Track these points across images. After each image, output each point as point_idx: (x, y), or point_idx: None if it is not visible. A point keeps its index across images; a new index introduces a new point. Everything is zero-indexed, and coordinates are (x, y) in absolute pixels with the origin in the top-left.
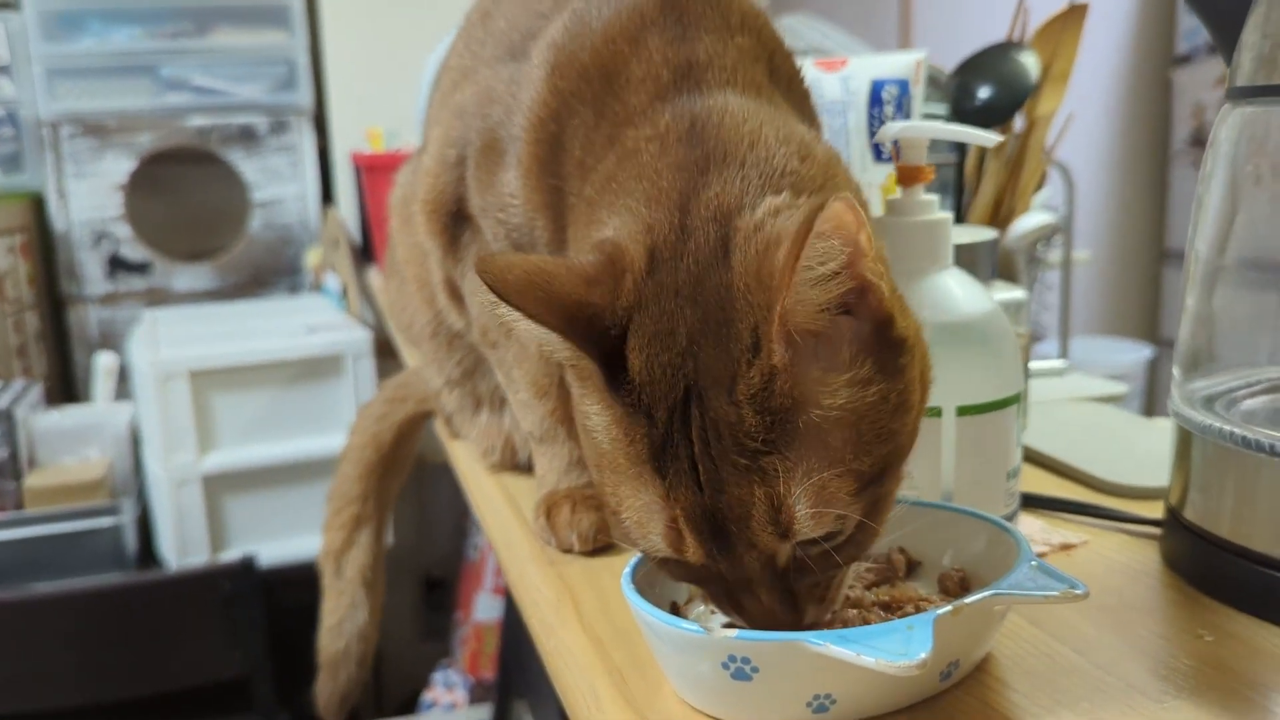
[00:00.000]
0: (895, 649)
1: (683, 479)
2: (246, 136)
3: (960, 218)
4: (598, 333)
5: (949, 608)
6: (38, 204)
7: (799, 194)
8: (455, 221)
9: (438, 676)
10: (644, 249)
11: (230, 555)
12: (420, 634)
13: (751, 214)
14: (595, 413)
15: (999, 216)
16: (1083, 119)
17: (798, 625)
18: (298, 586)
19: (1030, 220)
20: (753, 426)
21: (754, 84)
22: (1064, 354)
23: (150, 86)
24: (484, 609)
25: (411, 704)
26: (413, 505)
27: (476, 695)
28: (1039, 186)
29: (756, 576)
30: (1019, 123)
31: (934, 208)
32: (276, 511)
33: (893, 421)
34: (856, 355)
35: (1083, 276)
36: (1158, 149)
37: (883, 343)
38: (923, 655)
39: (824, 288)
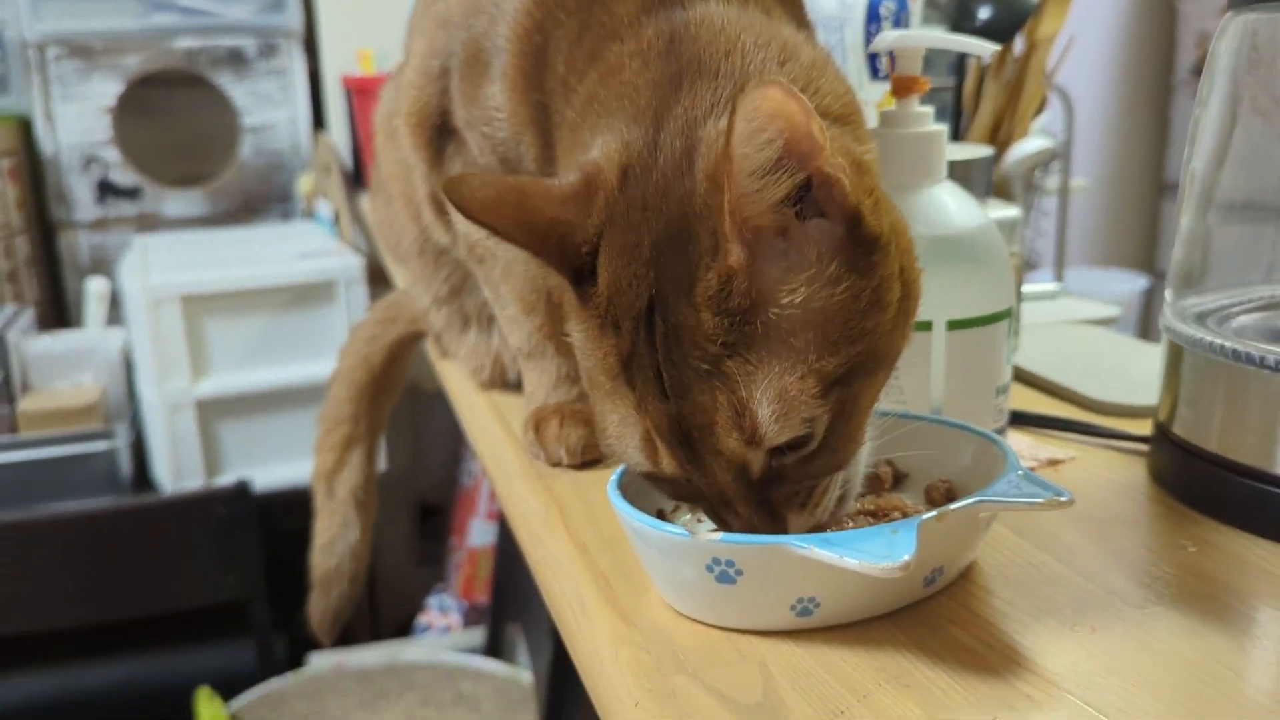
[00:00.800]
0: (879, 551)
1: (650, 389)
2: (235, 59)
3: (957, 141)
4: (569, 250)
5: (934, 513)
6: (25, 127)
7: None
8: (440, 134)
9: (432, 601)
10: (618, 167)
11: (225, 480)
12: (415, 560)
13: (716, 123)
14: (574, 329)
15: (997, 140)
16: (1085, 43)
17: (781, 534)
18: (292, 511)
19: (1029, 145)
20: (712, 329)
21: None
22: (1059, 280)
23: (136, 6)
24: (478, 534)
25: (407, 628)
26: (408, 433)
27: (470, 619)
28: (1039, 111)
29: (730, 488)
30: (1019, 45)
31: (928, 120)
32: (270, 436)
33: (864, 320)
34: (823, 254)
35: (1079, 206)
36: (1160, 78)
37: (854, 241)
38: (906, 558)
39: (771, 179)
